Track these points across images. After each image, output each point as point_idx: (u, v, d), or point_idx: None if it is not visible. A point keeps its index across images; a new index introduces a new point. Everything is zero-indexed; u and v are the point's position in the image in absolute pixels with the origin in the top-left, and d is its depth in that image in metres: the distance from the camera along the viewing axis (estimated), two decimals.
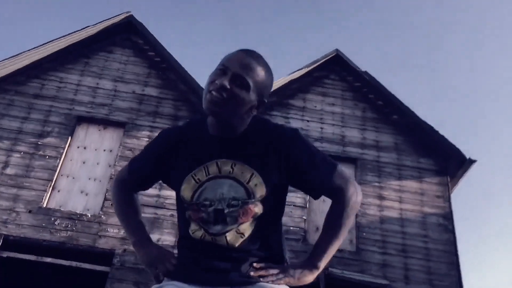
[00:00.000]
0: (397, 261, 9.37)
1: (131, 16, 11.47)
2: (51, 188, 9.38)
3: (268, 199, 1.47)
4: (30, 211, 9.01)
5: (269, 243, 1.53)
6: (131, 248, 8.63)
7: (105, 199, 9.31)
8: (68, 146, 9.96)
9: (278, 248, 1.56)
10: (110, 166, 9.80)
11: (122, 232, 8.91)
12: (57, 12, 39.40)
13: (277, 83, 10.75)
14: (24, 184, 9.29)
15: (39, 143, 9.81)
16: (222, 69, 1.41)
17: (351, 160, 10.46)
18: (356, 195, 1.51)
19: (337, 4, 37.93)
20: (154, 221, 9.15)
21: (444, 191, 10.35)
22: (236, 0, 38.42)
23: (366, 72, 11.52)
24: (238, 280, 1.43)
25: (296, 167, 1.48)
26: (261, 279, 1.42)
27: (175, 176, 1.53)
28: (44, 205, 9.13)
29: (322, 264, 1.49)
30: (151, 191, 8.97)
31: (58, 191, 9.45)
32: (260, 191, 1.46)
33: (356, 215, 9.23)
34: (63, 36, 10.83)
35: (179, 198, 1.53)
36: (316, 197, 1.56)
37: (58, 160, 9.65)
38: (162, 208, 9.30)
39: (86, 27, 11.05)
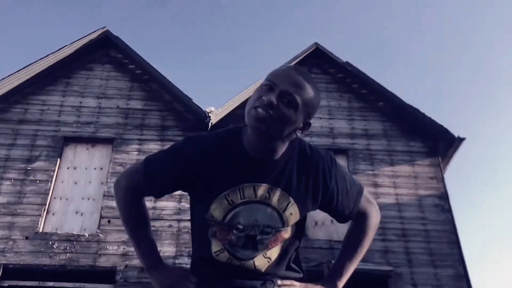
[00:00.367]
0: (398, 246, 9.42)
1: (108, 31, 11.42)
2: (45, 212, 9.30)
3: (296, 224, 1.50)
4: (27, 238, 8.93)
5: (292, 262, 1.57)
6: (133, 263, 8.65)
7: (101, 217, 9.26)
8: (58, 168, 9.88)
9: (298, 265, 1.60)
10: (102, 183, 9.74)
11: (122, 248, 8.86)
12: (32, 34, 39.12)
13: (259, 83, 10.73)
14: (17, 211, 9.20)
15: (28, 168, 9.73)
16: (269, 85, 1.32)
17: (342, 151, 10.47)
18: (377, 217, 1.57)
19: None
20: (152, 234, 9.08)
21: (437, 172, 10.42)
22: (210, 4, 38.41)
23: (347, 63, 11.56)
24: None
25: (331, 197, 1.47)
26: None
27: (203, 192, 1.43)
28: (40, 230, 9.05)
29: (342, 283, 1.54)
30: (146, 203, 8.90)
31: (53, 214, 9.37)
32: (294, 219, 1.46)
33: None
34: (41, 58, 10.74)
35: (201, 213, 1.47)
36: (342, 221, 1.56)
37: (49, 183, 9.57)
38: (159, 219, 9.26)
39: (63, 47, 10.97)
